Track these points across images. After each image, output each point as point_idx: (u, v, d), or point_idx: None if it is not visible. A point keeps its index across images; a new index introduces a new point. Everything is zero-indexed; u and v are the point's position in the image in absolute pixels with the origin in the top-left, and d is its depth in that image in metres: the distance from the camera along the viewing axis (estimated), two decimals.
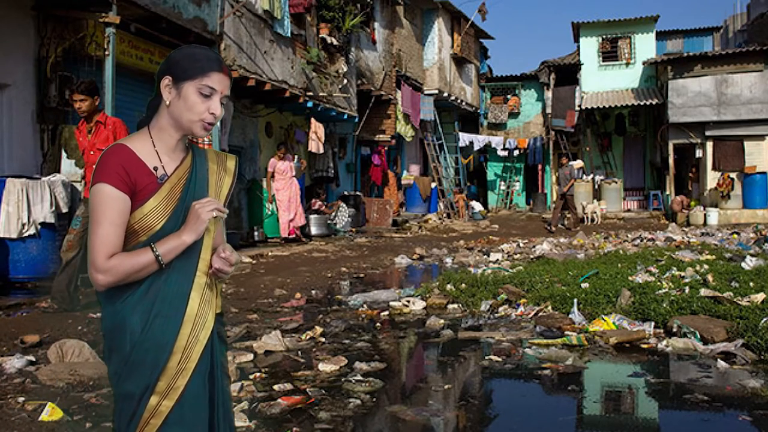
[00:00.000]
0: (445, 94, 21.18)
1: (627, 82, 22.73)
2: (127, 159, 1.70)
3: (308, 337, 5.21)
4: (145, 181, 1.71)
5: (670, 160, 20.13)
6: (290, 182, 12.49)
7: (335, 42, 14.02)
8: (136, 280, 1.67)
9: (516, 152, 23.66)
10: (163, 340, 1.67)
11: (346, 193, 16.35)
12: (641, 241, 12.37)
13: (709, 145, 19.23)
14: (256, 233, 12.37)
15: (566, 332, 5.24)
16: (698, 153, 19.51)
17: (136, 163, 1.71)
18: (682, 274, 7.08)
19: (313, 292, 7.47)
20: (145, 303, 1.68)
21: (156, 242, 1.69)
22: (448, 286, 7.13)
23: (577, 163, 20.88)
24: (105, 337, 1.73)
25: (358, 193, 16.77)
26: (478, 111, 24.73)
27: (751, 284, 6.21)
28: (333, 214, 14.74)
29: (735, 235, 12.65)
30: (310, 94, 13.31)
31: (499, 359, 4.63)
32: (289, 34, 12.35)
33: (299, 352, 4.79)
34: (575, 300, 5.86)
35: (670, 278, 6.90)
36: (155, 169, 1.73)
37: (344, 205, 15.14)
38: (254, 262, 9.98)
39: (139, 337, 1.66)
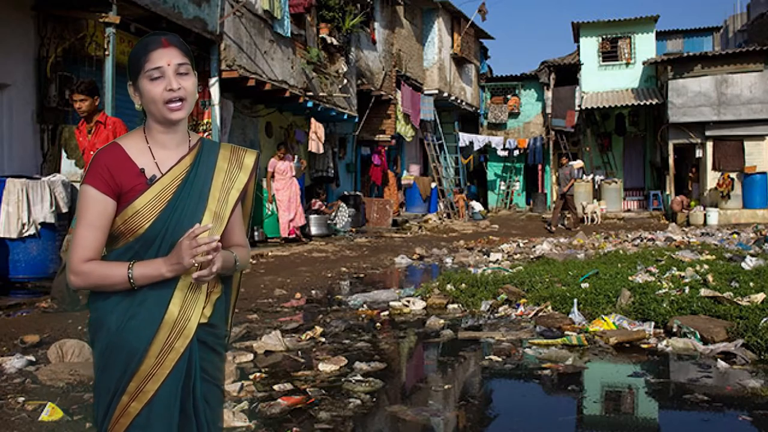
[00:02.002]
0: (445, 94, 21.18)
1: (627, 82, 22.72)
2: (114, 160, 1.69)
3: (308, 337, 5.21)
4: (133, 182, 1.68)
5: (670, 160, 20.13)
6: (290, 182, 12.48)
7: (335, 42, 14.01)
8: (107, 290, 1.66)
9: (516, 152, 23.65)
10: (136, 342, 1.64)
11: (346, 193, 16.34)
12: (641, 241, 12.37)
13: (709, 145, 19.22)
14: (256, 233, 12.37)
15: (566, 332, 5.24)
16: (698, 153, 19.51)
17: (124, 163, 1.69)
18: (682, 274, 7.08)
19: (313, 292, 7.47)
20: (124, 303, 1.66)
21: (138, 261, 1.66)
22: (448, 286, 7.13)
23: (577, 163, 20.88)
24: (89, 329, 1.75)
25: (358, 193, 16.76)
26: (478, 111, 24.73)
27: (751, 284, 6.21)
28: (333, 214, 14.73)
29: (735, 235, 12.65)
30: (310, 94, 13.31)
31: (499, 359, 4.63)
32: (289, 34, 12.34)
33: (299, 352, 4.79)
34: (575, 300, 5.86)
35: (670, 278, 6.90)
36: (143, 170, 1.70)
37: (344, 205, 15.13)
38: (254, 262, 9.98)
39: (114, 336, 1.66)
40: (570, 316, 5.65)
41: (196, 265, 1.62)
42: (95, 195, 1.66)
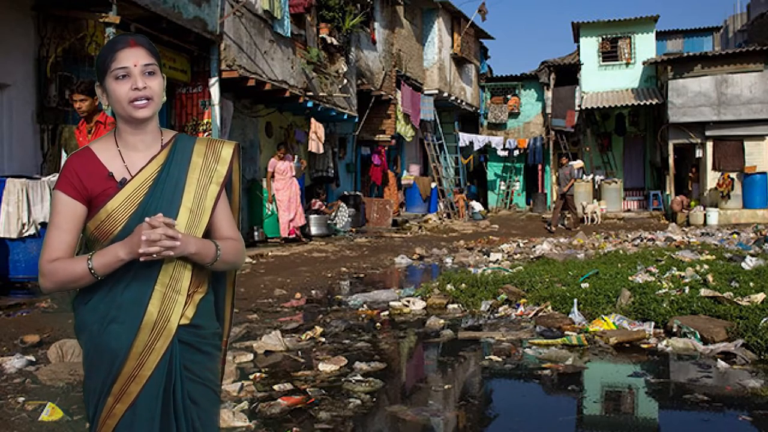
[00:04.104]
0: (445, 94, 21.17)
1: (627, 82, 22.72)
2: (83, 165, 1.71)
3: (308, 337, 5.21)
4: (102, 187, 1.69)
5: (670, 160, 20.12)
6: (290, 182, 12.48)
7: (335, 42, 14.01)
8: (76, 287, 1.66)
9: (516, 152, 23.65)
10: (116, 346, 1.65)
11: (346, 193, 16.34)
12: (641, 241, 12.36)
13: (709, 145, 19.22)
14: (256, 233, 12.37)
15: (566, 332, 5.24)
16: (698, 153, 19.50)
17: (94, 168, 1.71)
18: (682, 274, 7.07)
19: (313, 292, 7.47)
20: (102, 307, 1.68)
21: (97, 252, 1.67)
22: (448, 286, 7.13)
23: (577, 163, 20.87)
24: (75, 333, 1.77)
25: (358, 193, 16.76)
26: (478, 111, 24.72)
27: (751, 284, 6.21)
28: (333, 214, 14.73)
29: (735, 235, 12.64)
30: (310, 94, 13.31)
31: (499, 359, 4.63)
32: (289, 34, 12.34)
33: (299, 352, 4.79)
34: (575, 300, 5.85)
35: (670, 278, 6.90)
36: (111, 174, 1.71)
37: (344, 205, 15.13)
38: (254, 262, 9.98)
39: (97, 339, 1.67)
40: (570, 316, 5.65)
41: (155, 257, 1.61)
42: (64, 199, 1.69)
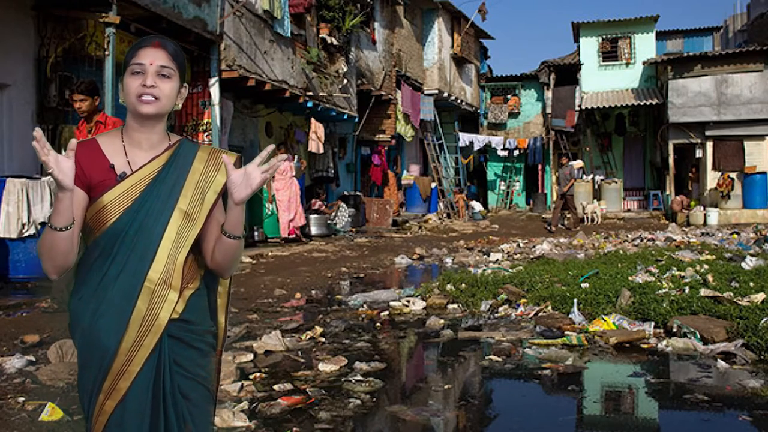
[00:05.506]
0: (445, 94, 21.17)
1: (627, 82, 22.72)
2: (86, 154, 1.72)
3: (308, 337, 5.21)
4: (101, 177, 1.71)
5: (670, 160, 20.12)
6: (290, 182, 12.48)
7: (335, 42, 14.01)
8: (62, 254, 1.64)
9: (516, 152, 23.65)
10: (106, 341, 1.66)
11: (346, 193, 16.34)
12: (641, 241, 12.37)
13: (709, 145, 19.22)
14: (256, 233, 12.36)
15: (566, 332, 5.24)
16: (698, 153, 19.50)
17: (96, 158, 1.73)
18: (682, 274, 7.07)
19: (313, 292, 7.47)
20: (93, 302, 1.69)
21: (105, 254, 1.70)
22: (448, 286, 7.13)
23: (577, 163, 20.86)
24: (69, 331, 1.77)
25: (358, 193, 16.76)
26: (478, 111, 24.72)
27: (751, 284, 6.21)
28: (333, 214, 14.73)
29: (735, 235, 12.65)
30: (310, 94, 13.31)
31: (499, 359, 4.63)
32: (289, 34, 12.34)
33: (299, 352, 4.79)
34: (575, 300, 5.85)
35: (670, 278, 6.90)
36: (113, 166, 1.73)
37: (344, 205, 15.13)
38: (254, 262, 9.98)
39: (88, 335, 1.68)
40: (570, 316, 5.65)
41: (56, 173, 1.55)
42: None
